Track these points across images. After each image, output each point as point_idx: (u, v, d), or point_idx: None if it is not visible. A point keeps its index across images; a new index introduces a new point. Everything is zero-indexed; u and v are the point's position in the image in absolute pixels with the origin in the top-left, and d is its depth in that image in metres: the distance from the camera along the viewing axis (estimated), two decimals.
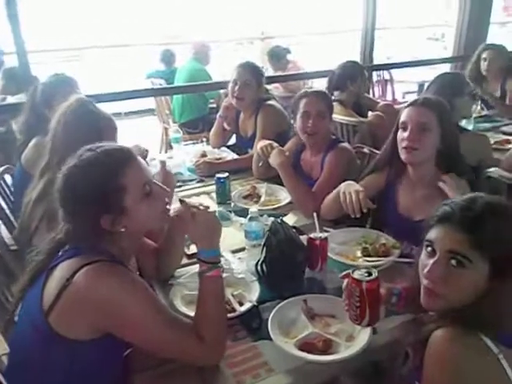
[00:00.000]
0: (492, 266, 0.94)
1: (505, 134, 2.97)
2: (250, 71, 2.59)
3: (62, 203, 1.14)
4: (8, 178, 2.22)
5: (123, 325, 1.09)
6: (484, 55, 3.49)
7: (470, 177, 1.66)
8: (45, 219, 1.49)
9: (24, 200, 1.62)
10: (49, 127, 1.70)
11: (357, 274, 1.17)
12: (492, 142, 2.76)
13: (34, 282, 1.17)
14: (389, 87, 5.50)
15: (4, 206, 2.06)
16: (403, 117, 1.67)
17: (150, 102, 5.21)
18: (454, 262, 0.95)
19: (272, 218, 1.69)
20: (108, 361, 1.17)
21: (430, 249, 1.01)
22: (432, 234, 1.01)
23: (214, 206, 1.99)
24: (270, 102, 2.59)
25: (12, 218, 2.04)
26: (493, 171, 2.07)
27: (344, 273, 1.28)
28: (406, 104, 1.72)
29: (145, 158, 2.18)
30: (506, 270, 0.93)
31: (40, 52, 6.54)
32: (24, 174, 1.98)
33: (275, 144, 2.16)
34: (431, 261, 0.99)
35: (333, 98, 3.14)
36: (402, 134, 1.66)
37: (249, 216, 1.62)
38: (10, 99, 3.30)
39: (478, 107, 3.47)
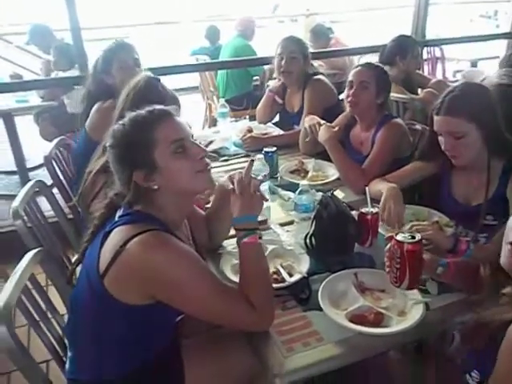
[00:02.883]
0: None
1: None
2: (295, 44, 2.55)
3: (110, 160, 1.20)
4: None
5: (174, 294, 1.11)
6: None
7: None
8: (104, 189, 1.54)
9: (87, 169, 1.68)
10: (109, 92, 1.73)
11: (400, 236, 1.17)
12: None
13: (91, 245, 1.21)
14: (439, 65, 5.28)
15: (61, 176, 2.13)
16: (435, 126, 1.59)
17: (194, 80, 5.23)
18: None
19: (320, 193, 1.67)
20: (159, 326, 1.20)
21: None
22: None
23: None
24: (317, 77, 2.55)
25: (68, 189, 2.11)
26: None
27: (388, 235, 1.27)
28: (434, 108, 1.60)
29: None
30: None
31: (88, 29, 6.68)
32: (88, 141, 2.03)
33: (323, 121, 2.13)
34: None
35: None
36: (440, 139, 1.59)
37: (299, 189, 1.62)
38: (62, 75, 3.40)
39: None
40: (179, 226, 1.28)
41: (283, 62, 2.52)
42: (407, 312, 1.22)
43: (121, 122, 1.21)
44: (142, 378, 1.18)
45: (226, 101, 4.29)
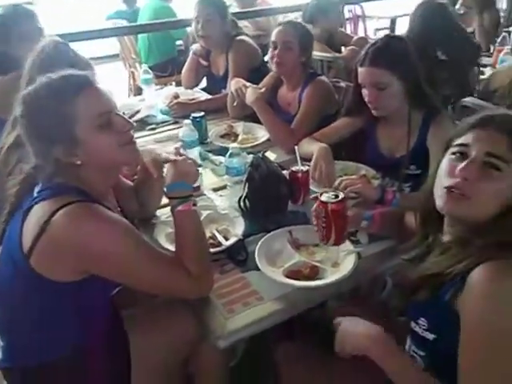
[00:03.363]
0: None
1: (478, 65, 2.97)
2: (211, 6, 2.45)
3: (22, 132, 1.10)
4: None
5: (107, 266, 1.07)
6: None
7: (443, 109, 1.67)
8: (19, 165, 1.42)
9: None
10: (7, 64, 1.58)
11: (324, 197, 1.20)
12: None
13: (9, 226, 1.13)
14: (360, 24, 5.39)
15: None
16: (359, 78, 1.63)
17: (113, 47, 4.93)
18: (489, 164, 0.92)
19: (251, 155, 1.66)
20: (95, 301, 1.16)
21: (459, 154, 0.97)
22: (467, 138, 0.97)
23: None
24: (240, 38, 2.49)
25: None
26: (468, 100, 2.08)
27: (313, 195, 1.30)
28: (357, 60, 1.64)
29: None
30: None
31: None
32: None
33: (248, 84, 2.10)
34: (464, 162, 0.94)
35: None
36: (363, 92, 1.63)
37: (229, 152, 1.59)
38: None
39: None
40: (106, 197, 1.22)
41: (199, 26, 2.44)
42: (340, 263, 1.27)
43: (32, 88, 1.09)
44: (87, 353, 1.14)
45: (150, 67, 4.08)
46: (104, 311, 1.20)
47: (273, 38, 2.03)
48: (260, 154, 1.53)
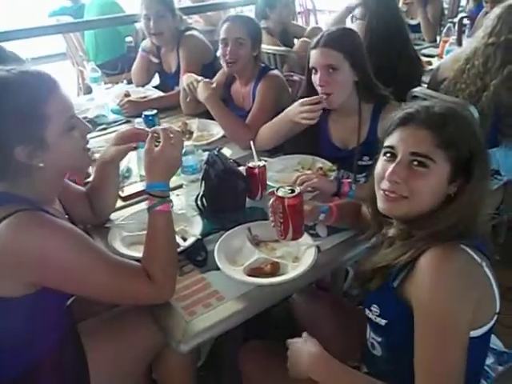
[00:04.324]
0: (454, 168, 0.94)
1: (425, 56, 3.06)
2: (160, 1, 2.38)
3: None
4: None
5: (59, 277, 1.01)
6: None
7: (392, 98, 1.69)
8: None
9: None
10: None
11: (280, 192, 1.19)
12: None
13: None
14: (312, 18, 5.43)
15: None
16: (311, 61, 1.63)
17: (59, 46, 4.73)
18: (415, 163, 0.94)
19: (207, 153, 1.63)
20: (47, 315, 1.09)
21: (389, 155, 0.99)
22: (392, 139, 0.99)
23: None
24: (190, 33, 2.44)
25: None
26: (417, 90, 2.12)
27: (269, 190, 1.29)
28: (310, 45, 1.66)
29: None
30: (466, 172, 0.93)
31: None
32: None
33: (200, 78, 2.06)
34: (392, 165, 0.97)
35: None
36: (314, 78, 1.63)
37: (184, 150, 1.54)
38: None
39: None
40: (52, 204, 1.16)
41: (151, 23, 2.37)
42: (301, 257, 1.26)
43: None
44: (41, 372, 1.08)
45: (99, 66, 3.97)
46: (57, 325, 1.14)
47: (222, 35, 1.99)
48: (215, 151, 1.50)
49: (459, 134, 0.95)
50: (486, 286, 0.91)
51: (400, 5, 3.48)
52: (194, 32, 2.48)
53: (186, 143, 1.92)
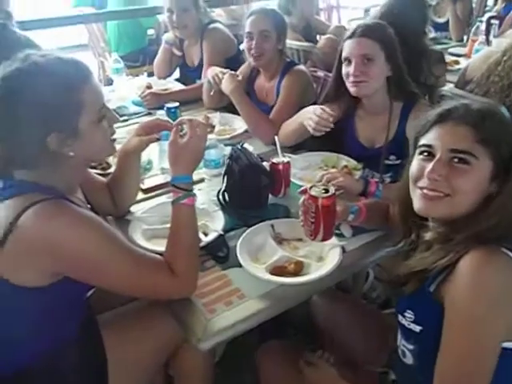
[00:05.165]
0: (495, 165, 0.90)
1: (452, 55, 2.98)
2: None
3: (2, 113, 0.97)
4: None
5: (82, 267, 0.99)
6: None
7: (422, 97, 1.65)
8: None
9: None
10: None
11: (314, 191, 1.15)
12: None
13: None
14: (335, 14, 5.36)
15: None
16: (344, 52, 1.59)
17: (82, 37, 4.74)
18: (456, 160, 0.91)
19: (229, 147, 1.60)
20: (69, 305, 1.08)
21: (425, 154, 0.96)
22: (429, 137, 0.96)
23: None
24: (213, 26, 2.41)
25: None
26: (446, 89, 2.07)
27: (302, 188, 1.25)
28: (345, 36, 1.62)
29: None
30: (507, 170, 0.90)
31: None
32: None
33: (226, 70, 2.03)
34: (431, 163, 0.93)
35: None
36: (346, 69, 1.58)
37: (207, 144, 1.52)
38: None
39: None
40: (75, 192, 1.14)
41: (174, 17, 2.34)
42: (325, 257, 1.23)
43: (21, 68, 0.96)
44: (61, 361, 1.07)
45: (121, 57, 3.99)
46: (77, 316, 1.13)
47: (248, 28, 1.95)
48: (239, 146, 1.47)
49: (499, 132, 0.91)
50: None
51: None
52: (218, 25, 2.45)
53: (209, 137, 1.90)
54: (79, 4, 4.29)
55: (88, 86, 1.01)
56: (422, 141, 0.98)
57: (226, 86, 1.96)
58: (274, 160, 1.47)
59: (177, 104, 1.95)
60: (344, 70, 1.59)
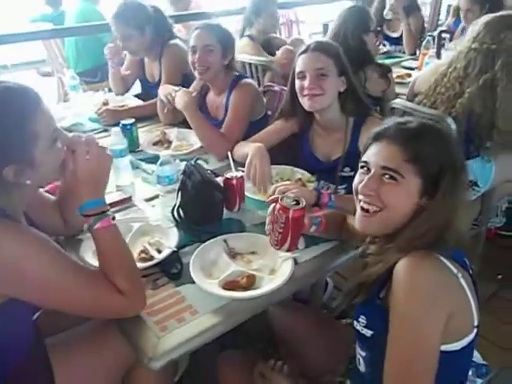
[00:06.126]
0: (423, 181, 0.95)
1: (405, 68, 3.10)
2: (123, 22, 2.28)
3: None
4: None
5: (26, 285, 0.97)
6: None
7: (373, 111, 1.71)
8: None
9: None
10: None
11: (285, 201, 1.17)
12: (394, 76, 2.88)
13: None
14: (295, 29, 5.47)
15: None
16: (299, 66, 1.62)
17: (40, 53, 4.67)
18: (387, 176, 0.97)
19: (184, 163, 1.61)
20: (14, 328, 1.05)
21: (365, 168, 1.02)
22: (367, 154, 1.03)
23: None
24: (173, 42, 2.41)
25: None
26: (397, 102, 2.13)
27: (272, 197, 1.27)
28: (299, 52, 1.66)
29: None
30: (437, 186, 0.95)
31: None
32: None
33: (177, 88, 2.03)
34: (365, 179, 1.00)
35: (245, 34, 3.07)
36: (301, 83, 1.62)
37: (160, 160, 1.52)
38: None
39: (380, 44, 3.57)
40: (21, 215, 1.12)
41: (120, 45, 2.35)
42: (277, 270, 1.24)
43: None
44: None
45: (80, 73, 3.93)
46: (24, 339, 1.10)
47: (192, 42, 1.95)
48: (192, 162, 1.48)
49: (429, 150, 0.96)
50: (460, 297, 0.91)
51: (385, 12, 3.51)
52: (176, 41, 2.45)
53: (165, 152, 1.89)
54: (37, 20, 4.24)
55: (40, 114, 0.99)
56: (363, 157, 1.05)
57: (179, 102, 1.95)
58: (228, 175, 1.48)
59: (132, 120, 1.95)
60: (298, 84, 1.62)
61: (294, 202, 1.17)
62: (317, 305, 1.80)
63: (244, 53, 2.86)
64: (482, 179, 2.15)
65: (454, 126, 1.94)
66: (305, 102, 1.63)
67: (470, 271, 0.96)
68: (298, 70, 1.63)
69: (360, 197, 1.02)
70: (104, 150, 1.10)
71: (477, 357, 1.31)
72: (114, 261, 1.06)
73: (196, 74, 1.99)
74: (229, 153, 1.56)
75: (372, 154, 1.01)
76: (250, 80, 2.05)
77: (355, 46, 2.36)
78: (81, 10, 3.96)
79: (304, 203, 1.18)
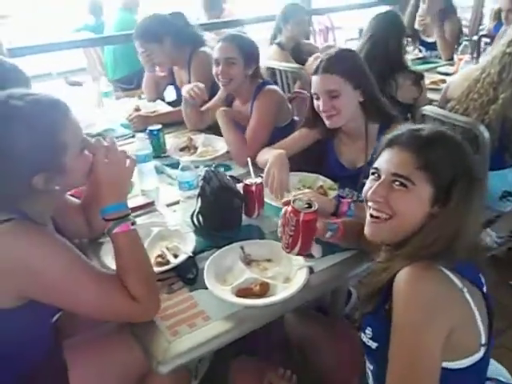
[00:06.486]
0: (435, 190, 0.93)
1: (440, 74, 3.01)
2: (139, 38, 2.35)
3: None
4: None
5: (47, 289, 1.00)
6: None
7: (398, 118, 1.66)
8: None
9: None
10: None
11: (297, 204, 1.16)
12: (428, 82, 2.81)
13: None
14: (330, 35, 5.44)
15: None
16: (312, 87, 1.61)
17: (67, 63, 4.86)
18: (397, 183, 0.95)
19: (206, 168, 1.62)
20: (35, 329, 1.09)
21: (376, 175, 1.01)
22: (379, 161, 1.01)
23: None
24: (202, 49, 2.44)
25: None
26: (427, 109, 2.08)
27: (285, 199, 1.26)
28: (312, 71, 1.64)
29: None
30: (449, 195, 0.92)
31: None
32: None
33: (201, 84, 2.06)
34: (374, 185, 0.99)
35: (275, 41, 3.08)
36: (316, 103, 1.61)
37: (180, 166, 1.55)
38: None
39: (416, 50, 3.49)
40: (47, 219, 1.16)
41: (145, 56, 2.39)
42: (292, 278, 1.23)
43: (2, 112, 0.97)
44: None
45: (117, 80, 4.09)
46: (43, 341, 1.13)
47: (214, 55, 1.98)
48: (212, 168, 1.49)
49: (442, 158, 0.94)
50: (464, 312, 0.87)
51: (416, 25, 3.43)
52: (206, 49, 2.48)
53: (191, 158, 1.93)
54: (79, 30, 4.42)
55: (69, 125, 1.03)
56: (375, 163, 1.02)
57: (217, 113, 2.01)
58: (247, 181, 1.49)
59: (159, 126, 1.99)
60: (315, 103, 1.62)
61: (306, 205, 1.16)
62: (337, 315, 1.77)
63: (273, 60, 2.87)
64: None
65: (486, 134, 1.87)
66: (325, 120, 1.62)
67: (483, 286, 0.91)
68: (312, 90, 1.62)
69: (369, 203, 1.00)
70: (124, 154, 1.13)
71: (505, 376, 1.25)
72: (130, 266, 1.07)
73: (220, 84, 2.01)
74: (248, 159, 1.56)
75: (383, 161, 0.99)
76: (273, 87, 2.05)
77: (390, 52, 2.32)
78: (119, 19, 4.10)
79: (316, 207, 1.16)
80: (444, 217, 0.92)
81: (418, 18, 3.42)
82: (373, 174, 1.02)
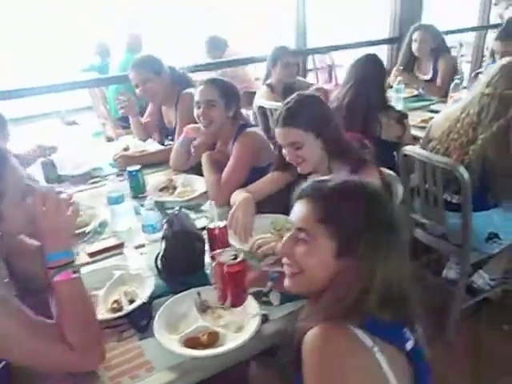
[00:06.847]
0: (338, 243, 0.90)
1: (432, 112, 3.00)
2: (139, 71, 2.42)
3: None
4: None
5: None
6: (414, 36, 3.48)
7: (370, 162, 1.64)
8: None
9: None
10: None
11: (222, 256, 1.16)
12: (418, 120, 2.80)
13: None
14: (333, 73, 5.49)
15: None
16: (277, 138, 1.62)
17: (65, 103, 5.01)
18: (300, 237, 0.93)
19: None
20: None
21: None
22: (291, 214, 1.00)
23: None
24: (188, 90, 2.48)
25: None
26: (408, 149, 2.06)
27: (213, 252, 1.26)
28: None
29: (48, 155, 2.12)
30: (355, 248, 0.88)
31: None
32: None
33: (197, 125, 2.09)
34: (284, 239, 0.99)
35: (266, 82, 3.14)
36: (284, 151, 1.62)
37: (144, 208, 1.55)
38: None
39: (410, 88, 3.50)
40: None
41: (138, 90, 2.47)
42: (244, 327, 1.20)
43: None
44: None
45: (120, 119, 4.18)
46: None
47: (195, 97, 2.02)
48: (176, 210, 1.48)
49: (342, 210, 0.90)
50: (374, 373, 0.81)
51: (391, 78, 3.39)
52: (192, 90, 2.52)
53: (168, 199, 1.94)
54: (85, 70, 4.58)
55: (7, 171, 1.03)
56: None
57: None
58: (211, 225, 1.48)
59: (138, 167, 2.01)
60: (283, 151, 1.63)
61: (232, 257, 1.15)
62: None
63: (263, 99, 2.92)
64: (504, 230, 2.00)
65: (466, 175, 1.84)
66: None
67: (406, 342, 0.86)
68: (277, 140, 1.63)
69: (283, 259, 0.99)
70: (66, 202, 1.12)
71: None
72: (68, 314, 1.05)
73: (201, 127, 2.04)
74: (212, 202, 1.56)
75: (292, 214, 0.98)
76: (253, 129, 2.06)
77: (372, 98, 2.34)
78: (124, 60, 4.23)
79: (241, 258, 1.16)
80: (351, 270, 0.87)
81: (393, 72, 3.43)
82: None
